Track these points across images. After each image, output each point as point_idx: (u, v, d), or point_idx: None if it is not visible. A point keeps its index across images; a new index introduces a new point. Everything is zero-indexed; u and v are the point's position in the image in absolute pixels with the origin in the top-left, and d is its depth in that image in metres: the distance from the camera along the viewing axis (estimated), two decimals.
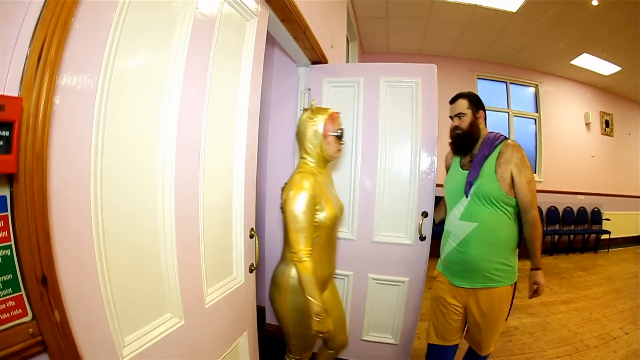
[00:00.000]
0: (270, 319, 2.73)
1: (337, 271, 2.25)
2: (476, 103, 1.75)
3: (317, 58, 2.31)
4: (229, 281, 1.40)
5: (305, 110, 1.55)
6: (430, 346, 1.90)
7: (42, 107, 0.63)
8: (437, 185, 2.20)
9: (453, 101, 1.78)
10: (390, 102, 2.24)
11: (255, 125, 1.50)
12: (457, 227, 1.70)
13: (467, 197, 1.67)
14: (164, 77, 0.98)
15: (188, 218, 1.10)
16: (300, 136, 1.52)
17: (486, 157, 1.66)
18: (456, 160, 1.83)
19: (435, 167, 2.19)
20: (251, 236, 1.50)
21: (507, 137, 1.73)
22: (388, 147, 2.24)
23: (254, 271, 1.55)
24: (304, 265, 1.35)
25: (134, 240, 0.92)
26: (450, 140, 1.80)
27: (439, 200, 2.10)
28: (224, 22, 1.24)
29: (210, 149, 1.20)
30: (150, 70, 0.93)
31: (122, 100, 0.84)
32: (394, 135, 2.24)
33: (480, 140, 1.74)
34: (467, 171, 1.71)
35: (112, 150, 0.82)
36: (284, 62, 2.49)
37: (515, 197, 1.63)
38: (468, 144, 1.73)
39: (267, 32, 1.66)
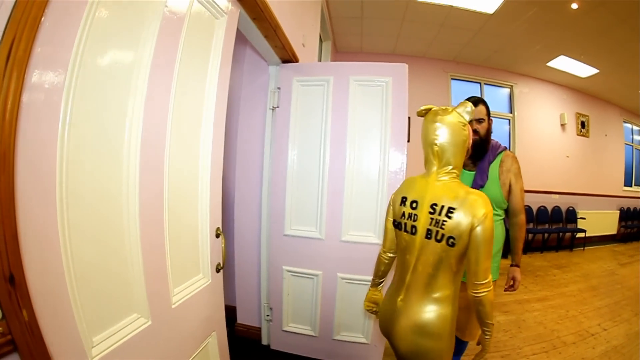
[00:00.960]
0: (242, 319, 2.76)
1: (306, 270, 2.35)
2: (489, 110, 1.90)
3: (288, 57, 2.35)
4: (196, 281, 1.42)
5: (454, 112, 1.28)
6: None
7: (9, 106, 0.65)
8: None
9: (475, 105, 1.84)
10: (360, 101, 2.29)
11: (222, 124, 1.53)
12: None
13: None
14: (131, 75, 1.00)
15: (153, 217, 1.11)
16: (454, 144, 1.27)
17: (491, 163, 1.85)
18: None
19: (405, 166, 2.24)
20: (217, 235, 1.52)
21: (507, 147, 1.92)
22: (357, 146, 2.30)
23: (221, 271, 1.57)
24: (492, 293, 1.23)
25: (99, 239, 0.93)
26: None
27: None
28: (193, 20, 1.26)
29: (175, 147, 1.22)
30: (117, 68, 0.95)
31: (89, 99, 0.86)
32: (363, 135, 2.29)
33: None
34: (472, 172, 1.87)
35: (79, 149, 0.84)
36: (255, 61, 2.53)
37: (508, 202, 1.86)
38: (485, 150, 1.87)
39: (239, 30, 1.71)
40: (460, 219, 1.18)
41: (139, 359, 1.07)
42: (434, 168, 1.30)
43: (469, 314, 1.89)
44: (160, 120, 1.13)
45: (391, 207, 1.43)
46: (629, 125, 8.69)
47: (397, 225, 1.37)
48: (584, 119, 7.45)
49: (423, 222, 1.27)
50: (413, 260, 1.30)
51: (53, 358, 0.77)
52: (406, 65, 2.26)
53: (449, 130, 1.25)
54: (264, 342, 2.66)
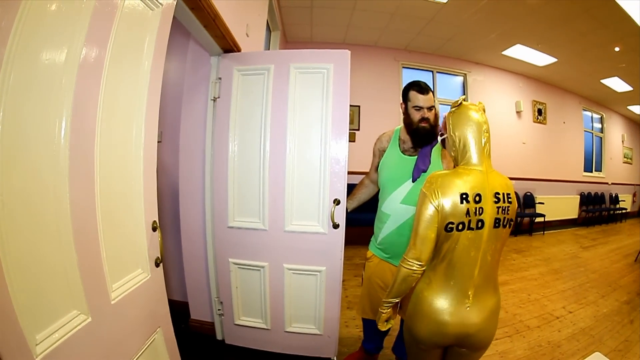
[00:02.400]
0: (195, 314, 2.78)
1: (252, 262, 2.39)
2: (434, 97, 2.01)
3: (229, 47, 2.38)
4: (135, 276, 1.43)
5: (474, 108, 1.40)
6: (366, 320, 2.21)
7: None
8: (350, 173, 2.35)
9: (427, 92, 1.91)
10: (300, 89, 2.32)
11: (155, 118, 1.54)
12: (397, 210, 1.92)
13: (413, 182, 1.89)
14: (61, 72, 1.01)
15: (84, 212, 1.13)
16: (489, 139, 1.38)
17: (432, 147, 1.92)
18: (394, 145, 2.02)
19: (346, 154, 2.29)
20: (154, 229, 1.53)
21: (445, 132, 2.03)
22: (298, 135, 2.34)
23: (161, 265, 1.58)
24: None
25: (34, 236, 0.95)
26: (411, 128, 1.93)
27: (351, 189, 2.28)
28: (125, 13, 1.27)
29: (106, 141, 1.23)
30: (47, 65, 0.97)
31: (21, 97, 0.88)
32: (304, 123, 2.34)
33: None
34: (412, 157, 1.93)
35: (11, 148, 0.86)
36: (197, 51, 2.54)
37: None
38: (434, 136, 1.92)
39: (179, 21, 1.73)
40: (514, 201, 1.36)
41: (84, 355, 1.10)
42: (484, 160, 1.36)
43: None
44: (90, 115, 1.15)
45: (433, 214, 1.31)
46: (588, 113, 9.16)
47: (456, 226, 1.30)
48: (540, 107, 7.82)
49: (490, 212, 1.31)
50: (480, 255, 1.32)
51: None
52: (348, 52, 2.29)
53: (488, 127, 1.38)
54: (219, 337, 2.69)
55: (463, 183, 1.31)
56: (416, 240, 1.34)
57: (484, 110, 1.42)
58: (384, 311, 1.50)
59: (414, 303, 1.46)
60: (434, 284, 1.39)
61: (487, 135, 1.36)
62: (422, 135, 1.90)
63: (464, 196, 1.29)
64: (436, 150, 1.94)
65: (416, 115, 1.91)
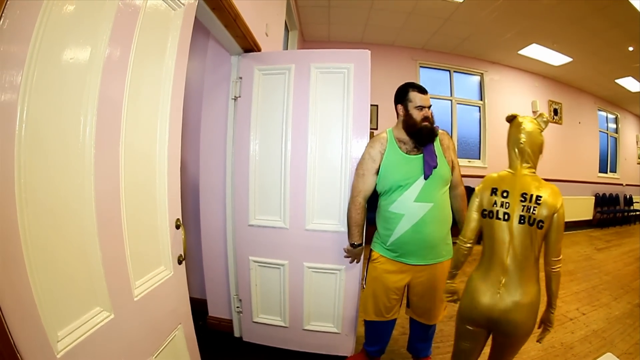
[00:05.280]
0: (213, 311, 2.78)
1: (272, 260, 2.39)
2: None
3: (250, 46, 2.38)
4: (158, 273, 1.43)
5: (533, 120, 1.61)
6: (368, 323, 2.16)
7: None
8: None
9: (426, 92, 1.97)
10: (321, 88, 2.32)
11: (179, 116, 1.54)
12: (412, 209, 1.90)
13: (425, 179, 1.89)
14: (85, 71, 1.01)
15: (109, 210, 1.13)
16: (532, 146, 1.58)
17: (433, 143, 1.94)
18: (394, 146, 1.99)
19: None
20: (177, 227, 1.53)
21: (438, 126, 2.01)
22: (319, 134, 2.34)
23: (184, 262, 1.58)
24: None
25: (58, 233, 0.95)
26: (414, 129, 1.94)
27: None
28: (148, 13, 1.27)
29: (131, 139, 1.23)
30: (71, 65, 0.96)
31: (44, 97, 0.88)
32: (325, 123, 2.33)
33: None
34: (419, 155, 1.93)
35: (36, 146, 0.86)
36: (217, 51, 2.54)
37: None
38: (435, 134, 1.95)
39: (200, 21, 1.73)
40: (546, 205, 1.48)
41: (105, 352, 1.09)
42: (518, 165, 1.58)
43: (433, 299, 2.03)
44: (115, 114, 1.15)
45: (477, 199, 1.63)
46: (603, 114, 8.98)
47: (488, 214, 1.58)
48: (556, 107, 7.67)
49: (516, 209, 1.52)
50: (510, 246, 1.52)
51: (20, 352, 0.80)
52: (368, 52, 2.29)
53: (530, 135, 1.57)
54: (236, 334, 2.69)
55: (496, 180, 1.61)
56: (465, 220, 1.67)
57: (538, 122, 1.61)
58: (448, 281, 1.79)
59: (466, 282, 1.67)
60: (480, 268, 1.63)
61: (521, 146, 1.58)
62: (425, 134, 1.93)
63: (494, 190, 1.58)
64: (436, 145, 1.97)
65: (419, 115, 1.93)
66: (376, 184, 2.03)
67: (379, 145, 2.03)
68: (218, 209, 2.59)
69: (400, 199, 1.93)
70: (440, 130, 2.02)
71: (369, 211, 2.13)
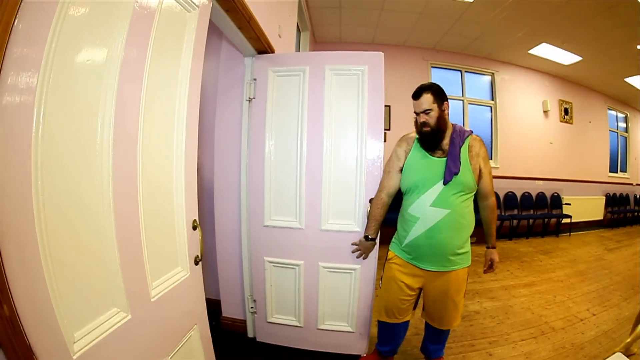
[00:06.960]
0: (227, 312, 2.77)
1: (288, 261, 2.39)
2: (440, 95, 1.88)
3: (263, 48, 2.36)
4: (175, 274, 1.43)
5: None
6: (381, 323, 2.15)
7: None
8: None
9: (417, 96, 1.86)
10: (336, 90, 2.30)
11: (195, 117, 1.53)
12: (427, 212, 1.84)
13: (444, 184, 1.81)
14: (102, 73, 1.00)
15: (127, 211, 1.12)
16: None
17: (460, 147, 1.85)
18: (419, 147, 1.93)
19: (382, 155, 2.27)
20: (194, 228, 1.53)
21: (472, 131, 1.94)
22: (334, 135, 2.32)
23: (200, 263, 1.58)
24: None
25: (75, 235, 0.94)
26: (418, 136, 1.91)
27: None
28: (163, 14, 1.26)
29: (148, 141, 1.22)
30: (88, 66, 0.96)
31: (61, 98, 0.87)
32: (340, 124, 2.31)
33: (449, 132, 1.89)
34: (442, 159, 1.85)
35: (52, 148, 0.85)
36: (231, 52, 2.53)
37: (478, 186, 1.89)
38: (439, 139, 1.87)
39: (214, 23, 1.72)
40: None
41: (121, 353, 1.09)
42: None
43: (445, 306, 1.99)
44: (132, 115, 1.14)
45: None
46: (613, 113, 8.87)
47: None
48: (567, 106, 7.60)
49: None
50: None
51: (36, 353, 0.79)
52: (382, 54, 2.27)
53: None
54: (250, 334, 2.69)
55: None
56: None
57: None
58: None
59: None
60: None
61: None
62: (427, 140, 1.88)
63: None
64: (463, 150, 1.87)
65: (416, 122, 1.89)
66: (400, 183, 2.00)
67: (405, 144, 2.00)
68: (233, 209, 2.59)
69: (417, 202, 1.88)
70: (472, 136, 1.93)
71: (390, 212, 2.10)
